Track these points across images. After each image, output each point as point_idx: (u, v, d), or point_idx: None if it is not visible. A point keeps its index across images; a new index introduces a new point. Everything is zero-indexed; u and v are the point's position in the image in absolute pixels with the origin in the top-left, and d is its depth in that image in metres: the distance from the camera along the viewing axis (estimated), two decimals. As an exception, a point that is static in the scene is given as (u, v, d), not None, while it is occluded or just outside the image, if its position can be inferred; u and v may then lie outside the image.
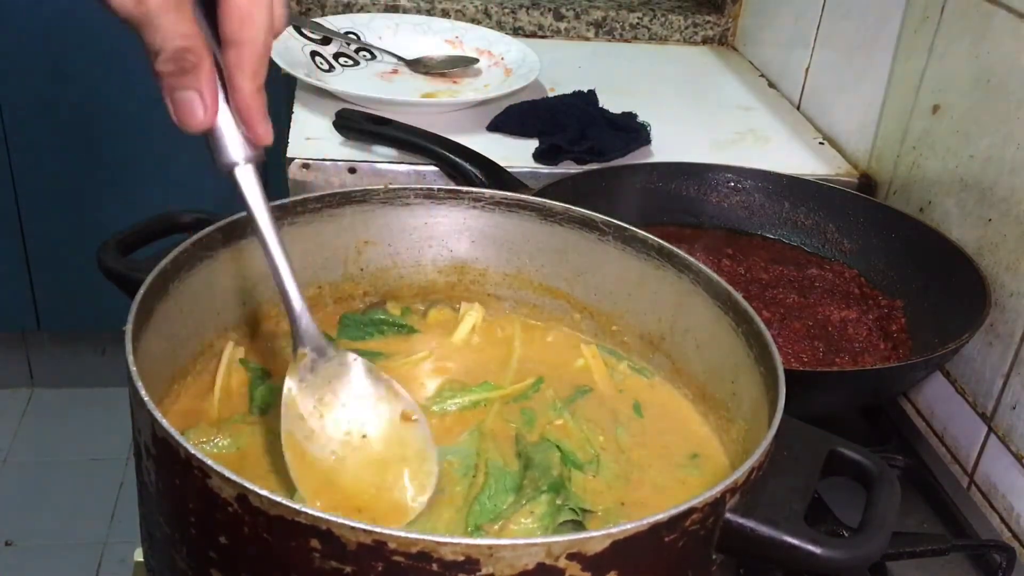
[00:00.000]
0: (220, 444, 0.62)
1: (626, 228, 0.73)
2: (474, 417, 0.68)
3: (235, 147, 0.54)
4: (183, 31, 0.50)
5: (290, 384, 0.57)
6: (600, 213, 0.74)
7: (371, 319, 0.76)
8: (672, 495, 0.63)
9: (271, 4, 0.51)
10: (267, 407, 0.65)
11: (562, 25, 1.60)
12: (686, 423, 0.70)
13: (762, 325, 0.62)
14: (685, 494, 0.62)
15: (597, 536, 0.46)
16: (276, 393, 0.65)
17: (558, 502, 0.60)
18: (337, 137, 1.12)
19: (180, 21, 0.49)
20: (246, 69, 0.52)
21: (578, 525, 0.59)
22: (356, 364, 0.60)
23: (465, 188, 0.76)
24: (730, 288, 0.66)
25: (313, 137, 1.13)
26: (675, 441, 0.68)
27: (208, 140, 0.53)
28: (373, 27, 1.43)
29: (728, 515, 0.51)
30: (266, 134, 0.54)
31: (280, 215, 0.69)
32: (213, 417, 0.65)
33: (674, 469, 0.66)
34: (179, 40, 0.50)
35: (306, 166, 1.08)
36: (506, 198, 0.76)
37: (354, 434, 0.59)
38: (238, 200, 0.55)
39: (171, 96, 0.51)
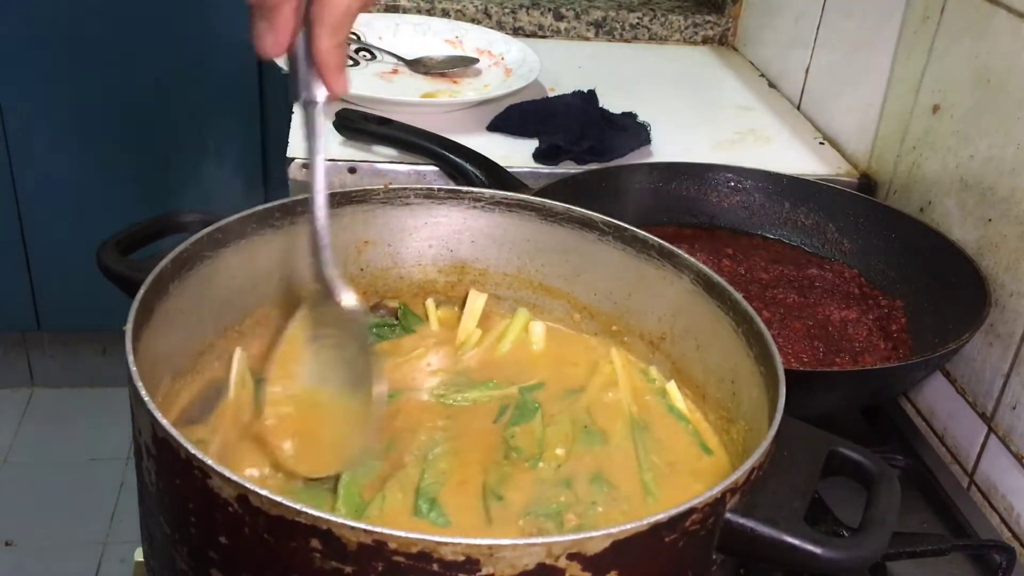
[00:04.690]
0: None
1: (626, 228, 0.73)
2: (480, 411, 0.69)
3: (308, 87, 0.57)
4: None
5: (302, 310, 0.61)
6: (600, 213, 0.74)
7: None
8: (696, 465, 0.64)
9: None
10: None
11: (562, 25, 1.60)
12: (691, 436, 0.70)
13: (762, 325, 0.62)
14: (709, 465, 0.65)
15: (597, 536, 0.46)
16: None
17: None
18: (337, 137, 1.12)
19: None
20: (325, 25, 0.55)
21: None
22: (357, 323, 0.61)
23: (465, 188, 0.77)
24: (730, 288, 0.66)
25: (313, 137, 1.13)
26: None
27: (289, 73, 0.58)
28: (373, 27, 1.43)
29: (728, 515, 0.51)
30: (338, 86, 0.57)
31: (280, 215, 0.70)
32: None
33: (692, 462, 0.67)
34: None
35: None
36: (506, 198, 0.76)
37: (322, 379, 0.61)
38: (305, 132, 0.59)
39: (252, 22, 0.55)
